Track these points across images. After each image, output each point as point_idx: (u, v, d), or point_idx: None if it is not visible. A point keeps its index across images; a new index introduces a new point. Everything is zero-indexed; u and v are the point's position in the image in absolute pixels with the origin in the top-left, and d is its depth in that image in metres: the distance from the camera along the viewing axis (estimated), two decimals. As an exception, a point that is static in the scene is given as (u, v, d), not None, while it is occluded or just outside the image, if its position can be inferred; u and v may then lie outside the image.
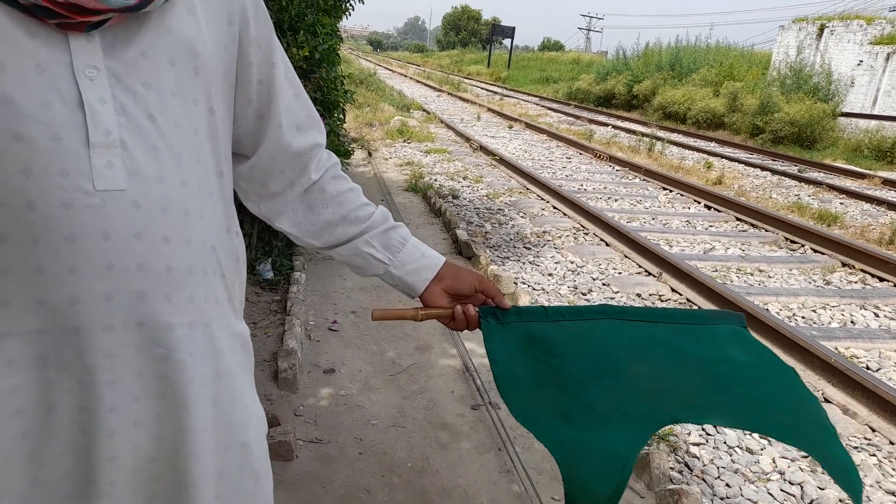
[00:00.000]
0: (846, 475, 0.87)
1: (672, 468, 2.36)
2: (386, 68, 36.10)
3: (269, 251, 3.79)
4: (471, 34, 57.68)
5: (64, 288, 0.62)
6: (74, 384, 0.66)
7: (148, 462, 0.72)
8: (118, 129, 0.63)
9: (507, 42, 40.84)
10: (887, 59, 12.97)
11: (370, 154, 8.55)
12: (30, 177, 0.59)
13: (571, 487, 0.87)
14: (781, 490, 2.30)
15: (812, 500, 2.25)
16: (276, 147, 0.86)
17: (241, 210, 0.92)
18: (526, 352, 0.93)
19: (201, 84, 0.71)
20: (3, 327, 0.63)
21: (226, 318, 0.77)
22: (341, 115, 4.16)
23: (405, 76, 30.02)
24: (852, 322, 3.84)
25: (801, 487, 2.31)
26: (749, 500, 2.24)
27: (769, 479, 2.36)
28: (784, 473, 2.39)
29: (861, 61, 13.54)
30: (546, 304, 3.88)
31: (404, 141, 9.90)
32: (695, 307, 3.91)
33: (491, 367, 0.92)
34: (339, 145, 3.88)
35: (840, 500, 2.25)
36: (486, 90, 24.71)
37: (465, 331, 0.96)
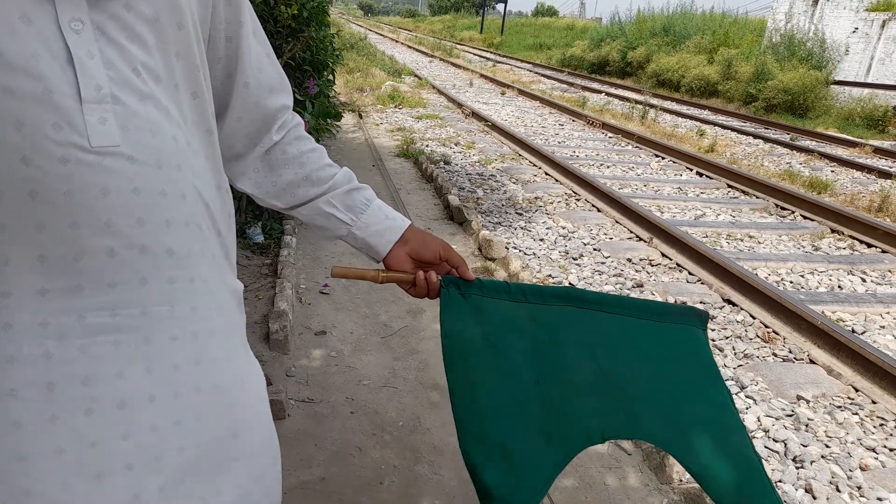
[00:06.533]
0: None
1: (659, 426, 2.40)
2: (377, 33, 35.45)
3: (260, 215, 3.76)
4: (463, -1, 56.57)
5: (66, 244, 0.60)
6: (76, 352, 0.62)
7: (160, 436, 0.67)
8: (108, 84, 0.61)
9: (500, 7, 40.12)
10: (883, 26, 12.86)
11: (361, 117, 8.45)
12: (22, 131, 0.57)
13: (481, 491, 0.86)
14: (765, 447, 2.35)
15: (795, 457, 2.30)
16: (243, 107, 0.84)
17: None
18: (480, 329, 0.90)
19: (184, 39, 0.69)
20: (3, 287, 0.59)
21: (222, 274, 0.76)
22: (330, 77, 4.09)
23: (396, 41, 29.51)
24: (839, 287, 3.89)
25: (785, 444, 2.36)
26: (734, 456, 2.28)
27: (754, 437, 2.41)
28: (769, 431, 2.44)
29: (856, 28, 13.43)
30: (537, 268, 3.89)
31: (396, 106, 9.78)
32: (685, 271, 3.94)
33: (441, 340, 0.90)
34: (329, 107, 3.82)
35: (823, 457, 2.31)
36: (479, 56, 24.36)
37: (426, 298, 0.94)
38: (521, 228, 4.64)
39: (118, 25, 0.62)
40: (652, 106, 10.68)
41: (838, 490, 2.15)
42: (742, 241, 4.66)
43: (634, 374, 0.90)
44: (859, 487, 2.16)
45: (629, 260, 4.12)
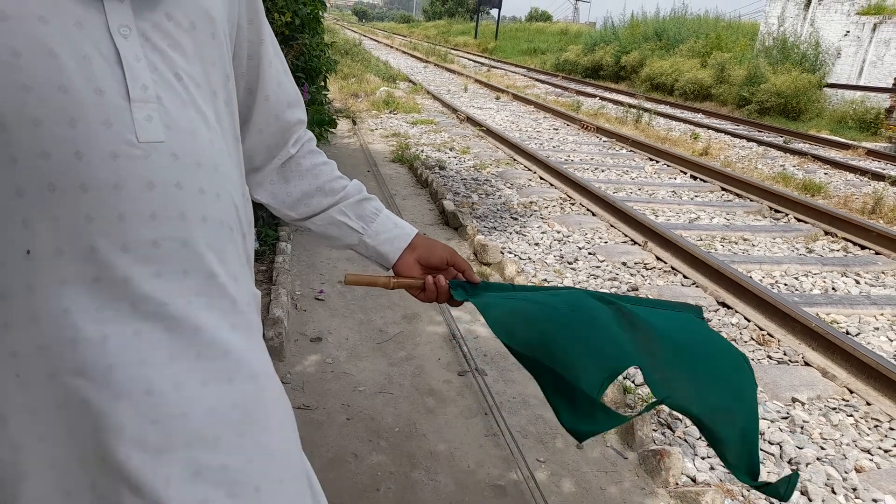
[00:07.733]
0: (749, 464, 0.87)
1: (654, 430, 2.40)
2: (371, 39, 35.52)
3: (255, 221, 3.75)
4: (458, 4, 56.72)
5: (114, 235, 0.64)
6: (132, 337, 0.66)
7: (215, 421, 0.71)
8: (153, 86, 0.66)
9: (494, 12, 40.26)
10: (874, 29, 12.96)
11: (355, 123, 8.46)
12: (75, 127, 0.61)
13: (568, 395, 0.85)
14: (761, 450, 2.35)
15: (790, 459, 2.30)
16: (264, 121, 0.89)
17: None
18: (499, 301, 0.95)
19: (217, 48, 0.74)
20: (60, 275, 0.63)
21: (246, 276, 0.79)
22: (323, 83, 4.09)
23: (391, 47, 29.56)
24: (833, 289, 3.90)
25: (780, 447, 2.36)
26: (729, 459, 2.28)
27: (749, 440, 2.41)
28: (763, 434, 2.44)
29: (848, 32, 13.52)
30: (532, 272, 3.89)
31: (390, 112, 9.79)
32: (679, 275, 3.95)
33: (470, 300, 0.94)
34: (324, 114, 3.83)
35: (818, 459, 2.31)
36: (474, 61, 24.43)
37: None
38: (517, 233, 4.65)
39: (161, 34, 0.68)
40: (646, 110, 10.72)
41: (834, 492, 2.15)
42: (736, 243, 4.68)
43: (654, 344, 0.91)
44: (854, 489, 2.17)
45: (624, 264, 4.13)
